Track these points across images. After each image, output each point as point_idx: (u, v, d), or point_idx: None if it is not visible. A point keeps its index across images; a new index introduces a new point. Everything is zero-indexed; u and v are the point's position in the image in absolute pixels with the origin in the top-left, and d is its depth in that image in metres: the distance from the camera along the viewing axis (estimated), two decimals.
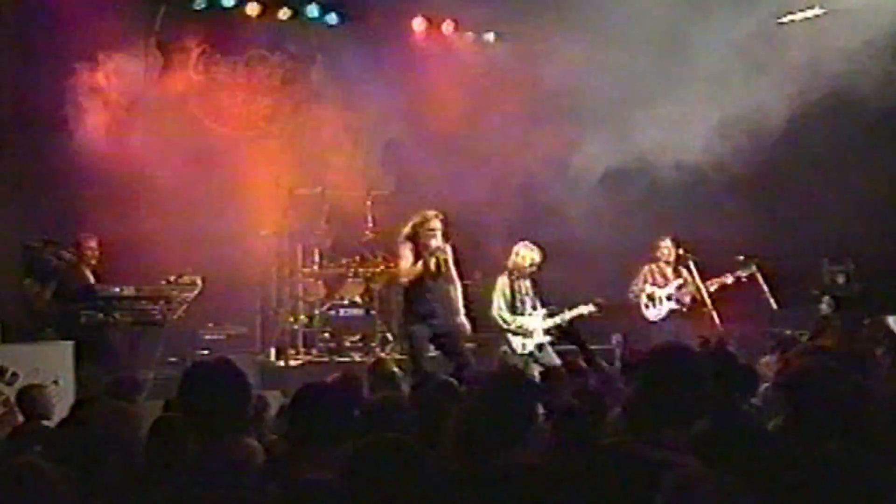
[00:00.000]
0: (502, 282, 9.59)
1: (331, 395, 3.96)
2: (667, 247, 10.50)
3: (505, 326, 9.50)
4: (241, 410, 3.69)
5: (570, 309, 9.51)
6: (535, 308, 9.59)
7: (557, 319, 9.49)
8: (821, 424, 3.34)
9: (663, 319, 10.38)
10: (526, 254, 9.55)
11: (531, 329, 9.49)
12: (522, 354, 9.37)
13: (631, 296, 10.54)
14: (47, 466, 3.41)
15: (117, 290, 9.51)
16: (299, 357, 11.43)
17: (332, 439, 3.65)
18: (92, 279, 9.64)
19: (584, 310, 9.43)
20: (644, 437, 3.33)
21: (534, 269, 9.59)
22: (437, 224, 8.72)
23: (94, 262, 9.73)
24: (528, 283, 9.62)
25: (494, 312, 9.54)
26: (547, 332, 9.50)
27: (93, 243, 9.76)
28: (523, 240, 9.71)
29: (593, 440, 3.95)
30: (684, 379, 3.41)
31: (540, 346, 9.44)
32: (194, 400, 3.62)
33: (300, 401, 3.92)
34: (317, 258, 12.04)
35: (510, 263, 9.61)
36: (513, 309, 9.53)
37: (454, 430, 3.52)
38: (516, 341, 9.49)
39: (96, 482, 3.81)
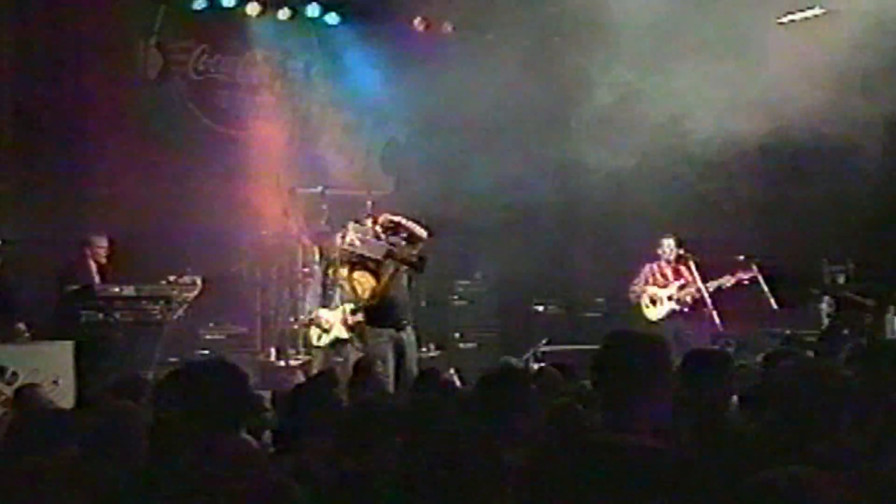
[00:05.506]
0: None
1: (315, 392, 3.98)
2: (669, 245, 10.47)
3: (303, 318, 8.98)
4: (235, 410, 3.68)
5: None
6: (343, 301, 8.84)
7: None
8: (806, 425, 3.33)
9: (664, 319, 10.38)
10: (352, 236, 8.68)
11: (332, 322, 8.90)
12: (319, 347, 8.91)
13: (632, 296, 10.51)
14: (52, 463, 3.40)
15: (117, 290, 9.51)
16: (299, 357, 11.42)
17: (318, 434, 3.66)
18: (97, 279, 9.63)
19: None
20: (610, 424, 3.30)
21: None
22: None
23: (102, 261, 9.71)
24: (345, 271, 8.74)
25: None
26: (350, 328, 8.77)
27: (103, 242, 9.72)
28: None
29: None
30: (635, 365, 3.36)
31: (339, 342, 8.87)
32: (186, 400, 3.59)
33: (291, 399, 3.94)
34: (317, 258, 12.02)
35: (337, 249, 8.71)
36: (323, 300, 8.95)
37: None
38: (313, 332, 8.97)
39: (97, 481, 3.81)
